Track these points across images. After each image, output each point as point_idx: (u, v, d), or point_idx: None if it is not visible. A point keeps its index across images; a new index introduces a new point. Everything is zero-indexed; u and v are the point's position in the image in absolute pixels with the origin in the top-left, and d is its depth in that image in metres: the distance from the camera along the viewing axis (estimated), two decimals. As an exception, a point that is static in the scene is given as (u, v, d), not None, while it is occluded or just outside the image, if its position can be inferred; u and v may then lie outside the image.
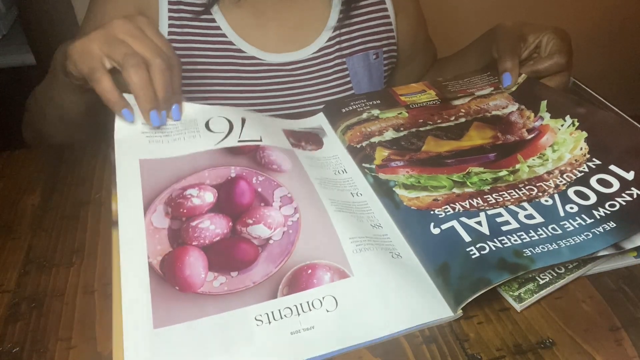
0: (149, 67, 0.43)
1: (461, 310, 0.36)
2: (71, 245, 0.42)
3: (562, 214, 0.41)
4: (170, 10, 0.63)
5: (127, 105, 0.44)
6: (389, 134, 0.52)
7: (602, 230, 0.39)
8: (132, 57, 0.42)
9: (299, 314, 0.35)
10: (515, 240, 0.39)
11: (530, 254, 0.37)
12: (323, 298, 0.36)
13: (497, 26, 0.63)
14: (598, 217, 0.40)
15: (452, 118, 0.54)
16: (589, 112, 0.51)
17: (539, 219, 0.41)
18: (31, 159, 0.52)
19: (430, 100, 0.57)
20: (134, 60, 0.42)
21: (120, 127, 0.46)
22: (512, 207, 0.42)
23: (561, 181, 0.44)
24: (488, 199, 0.43)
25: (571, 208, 0.42)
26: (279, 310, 0.35)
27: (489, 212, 0.42)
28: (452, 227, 0.40)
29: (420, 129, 0.53)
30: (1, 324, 0.36)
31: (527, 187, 0.44)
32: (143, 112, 0.44)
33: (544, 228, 0.40)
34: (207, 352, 0.33)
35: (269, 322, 0.34)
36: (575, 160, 0.46)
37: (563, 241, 0.38)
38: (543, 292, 0.37)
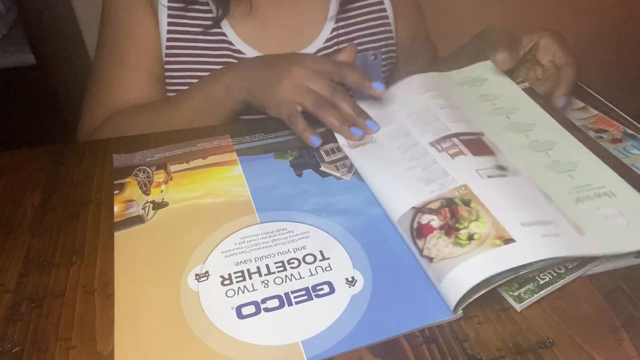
0: (334, 102, 0.52)
1: (461, 311, 0.36)
2: (71, 245, 0.42)
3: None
4: (170, 8, 0.63)
5: (315, 133, 0.52)
6: None
7: None
8: (319, 104, 0.51)
9: None
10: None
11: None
12: None
13: (489, 29, 0.63)
14: None
15: None
16: (586, 140, 0.50)
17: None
18: (31, 159, 0.52)
19: None
20: (322, 105, 0.51)
21: None
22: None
23: None
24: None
25: None
26: None
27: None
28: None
29: None
30: (1, 324, 0.36)
31: None
32: (346, 135, 0.52)
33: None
34: None
35: None
36: None
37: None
38: (543, 292, 0.37)
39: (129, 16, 0.64)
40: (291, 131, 0.53)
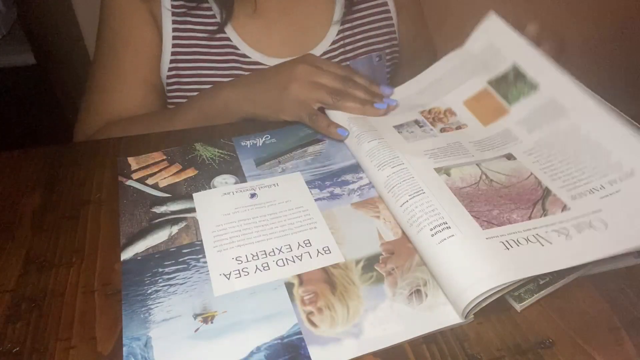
0: (347, 92, 0.53)
1: (472, 316, 0.36)
2: (71, 245, 0.42)
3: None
4: (174, 14, 0.63)
5: (339, 125, 0.52)
6: None
7: None
8: (335, 95, 0.53)
9: None
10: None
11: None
12: None
13: None
14: None
15: None
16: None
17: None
18: (31, 159, 0.52)
19: None
20: (338, 96, 0.53)
21: None
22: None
23: None
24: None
25: None
26: None
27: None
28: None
29: None
30: (1, 324, 0.36)
31: None
32: (371, 113, 0.53)
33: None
34: None
35: None
36: None
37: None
38: (543, 292, 0.37)
39: (127, 24, 0.63)
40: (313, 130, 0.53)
